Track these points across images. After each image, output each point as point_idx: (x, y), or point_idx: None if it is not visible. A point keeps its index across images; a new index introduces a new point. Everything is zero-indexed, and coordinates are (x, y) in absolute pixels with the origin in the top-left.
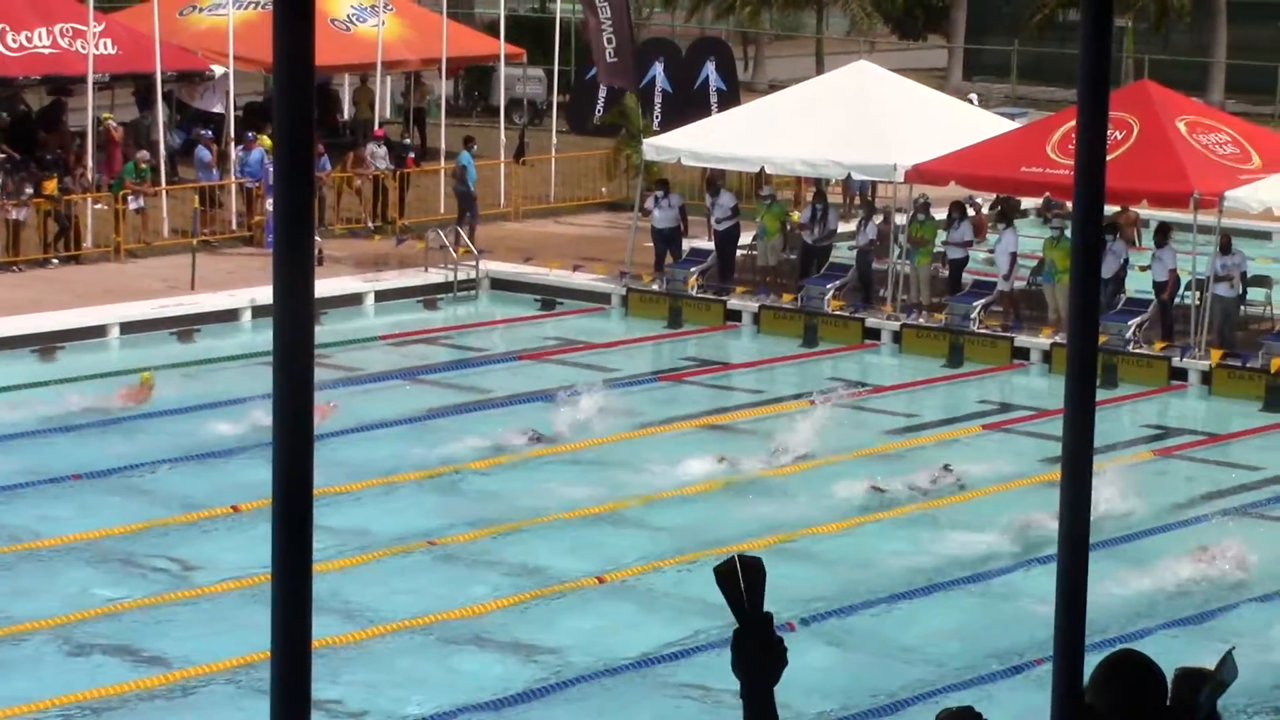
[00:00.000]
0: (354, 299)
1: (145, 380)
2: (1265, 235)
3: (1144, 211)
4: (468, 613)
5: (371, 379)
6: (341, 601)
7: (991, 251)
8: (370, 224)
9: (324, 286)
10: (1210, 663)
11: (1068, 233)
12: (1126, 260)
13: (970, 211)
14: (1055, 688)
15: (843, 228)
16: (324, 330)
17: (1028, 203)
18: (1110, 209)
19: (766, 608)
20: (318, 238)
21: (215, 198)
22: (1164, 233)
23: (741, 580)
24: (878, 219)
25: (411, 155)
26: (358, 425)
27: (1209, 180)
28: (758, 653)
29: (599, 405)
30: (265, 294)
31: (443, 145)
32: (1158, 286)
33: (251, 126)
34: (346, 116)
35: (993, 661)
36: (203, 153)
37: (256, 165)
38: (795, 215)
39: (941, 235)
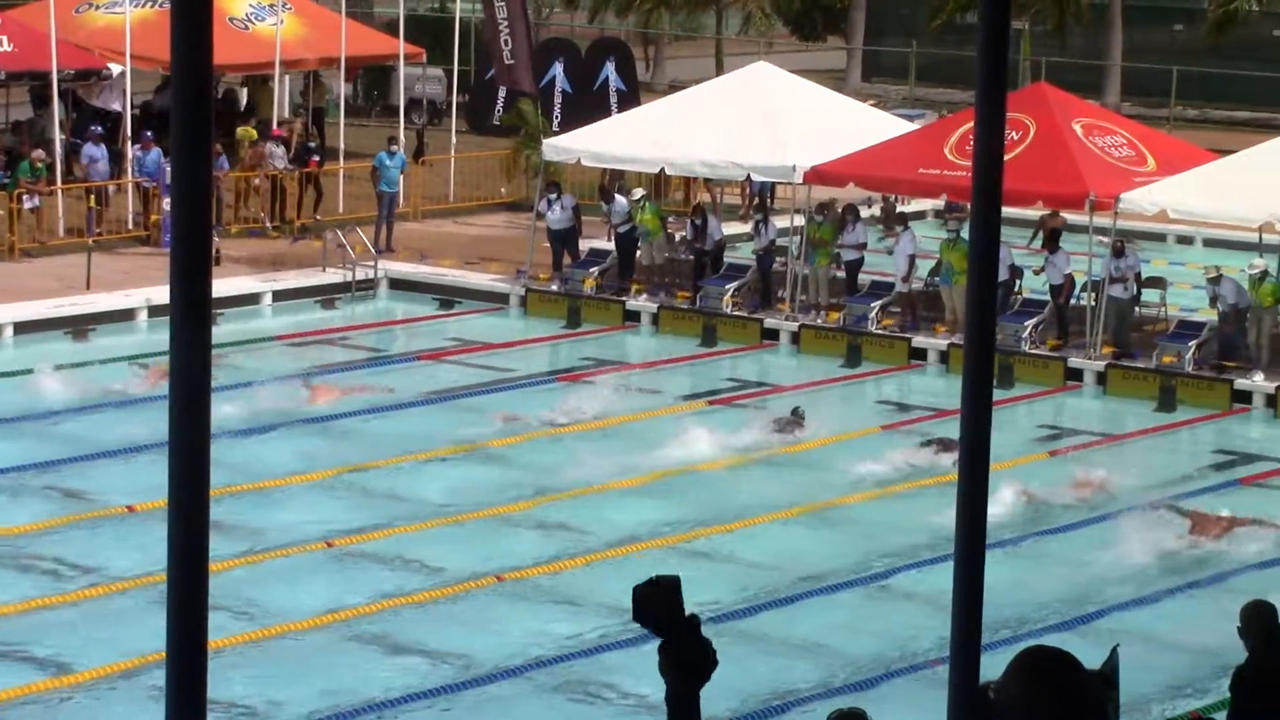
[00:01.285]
0: (251, 299)
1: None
2: (1160, 237)
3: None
4: (367, 610)
5: (269, 379)
6: (239, 601)
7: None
8: (268, 224)
9: (221, 286)
10: (1097, 662)
11: (964, 234)
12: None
13: (864, 213)
14: (951, 687)
15: (741, 228)
16: (221, 330)
17: (920, 204)
18: (1040, 212)
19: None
20: (215, 237)
21: (108, 196)
22: (1055, 238)
23: (661, 598)
24: (775, 221)
25: (316, 157)
26: (255, 426)
27: (1104, 182)
28: (686, 656)
29: (505, 407)
30: (162, 294)
31: (341, 144)
32: (1054, 290)
33: (149, 126)
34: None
35: (890, 661)
36: (93, 150)
37: (154, 165)
38: (680, 231)
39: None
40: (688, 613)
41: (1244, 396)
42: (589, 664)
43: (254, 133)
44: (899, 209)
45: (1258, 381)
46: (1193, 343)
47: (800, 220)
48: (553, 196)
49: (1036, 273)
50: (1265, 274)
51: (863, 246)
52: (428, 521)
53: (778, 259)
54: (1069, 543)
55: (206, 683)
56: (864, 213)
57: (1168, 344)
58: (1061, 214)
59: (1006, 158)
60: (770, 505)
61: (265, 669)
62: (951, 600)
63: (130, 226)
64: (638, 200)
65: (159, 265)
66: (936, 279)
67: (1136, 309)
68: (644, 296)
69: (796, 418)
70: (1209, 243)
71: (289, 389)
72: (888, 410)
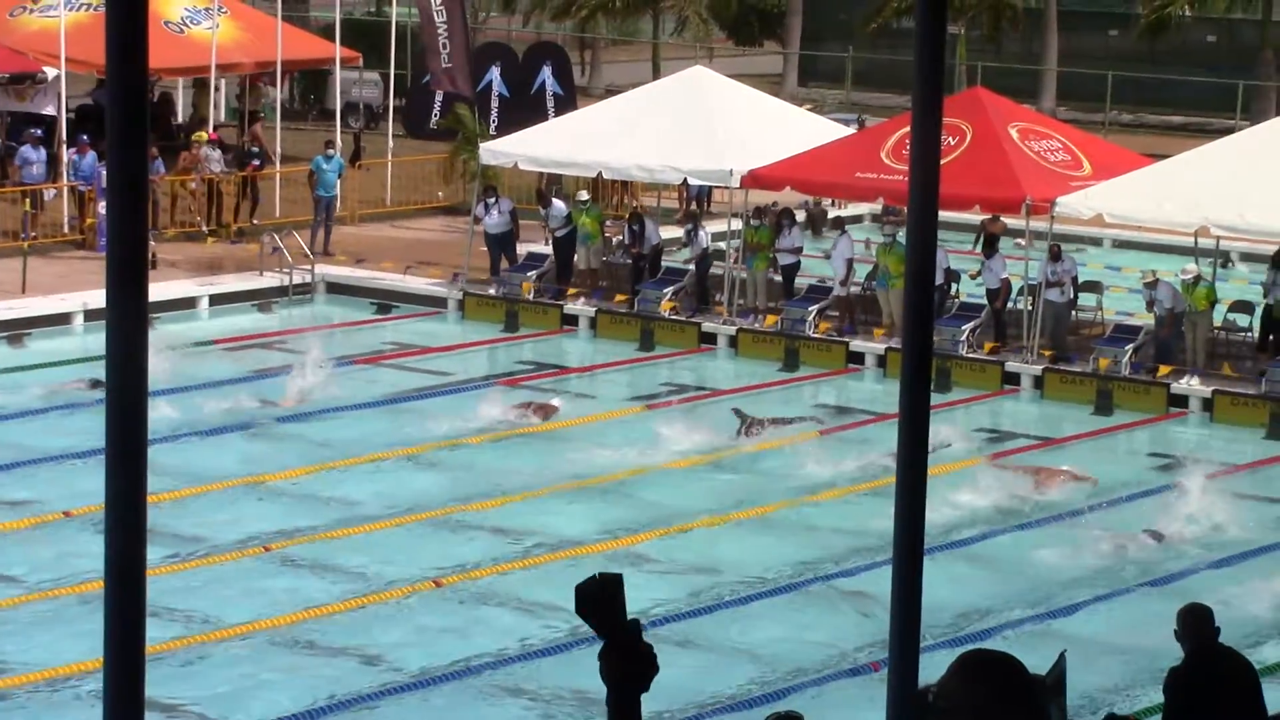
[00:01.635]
0: (188, 303)
1: None
2: (1096, 241)
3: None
4: (305, 615)
5: (205, 384)
6: (178, 607)
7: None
8: (205, 228)
9: (157, 290)
10: (1044, 666)
11: (900, 238)
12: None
13: (800, 217)
14: (890, 689)
15: (679, 232)
16: (158, 334)
17: (857, 208)
18: (980, 217)
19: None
20: (151, 241)
21: (43, 200)
22: (992, 243)
23: (603, 596)
24: (707, 226)
25: (255, 161)
26: (193, 430)
27: (1040, 186)
28: (627, 661)
29: (443, 411)
30: (98, 298)
31: (278, 148)
32: (990, 295)
33: (84, 130)
34: (181, 119)
35: (830, 664)
36: (28, 152)
37: (89, 169)
38: (617, 236)
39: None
40: (630, 617)
41: (1180, 400)
42: (530, 667)
43: (205, 135)
44: (835, 214)
45: (1193, 385)
46: (1129, 346)
47: (737, 224)
48: (490, 200)
49: (973, 277)
50: (1198, 279)
51: (799, 251)
52: (365, 526)
53: (715, 263)
54: (1007, 546)
55: (144, 690)
56: (799, 217)
57: (1104, 348)
58: (1002, 219)
59: (943, 162)
60: (710, 509)
61: (202, 676)
62: (890, 603)
63: (66, 230)
64: (584, 202)
65: (95, 269)
66: (874, 283)
67: (1073, 313)
68: (582, 300)
69: (742, 418)
70: (1144, 247)
71: (225, 393)
72: (826, 414)
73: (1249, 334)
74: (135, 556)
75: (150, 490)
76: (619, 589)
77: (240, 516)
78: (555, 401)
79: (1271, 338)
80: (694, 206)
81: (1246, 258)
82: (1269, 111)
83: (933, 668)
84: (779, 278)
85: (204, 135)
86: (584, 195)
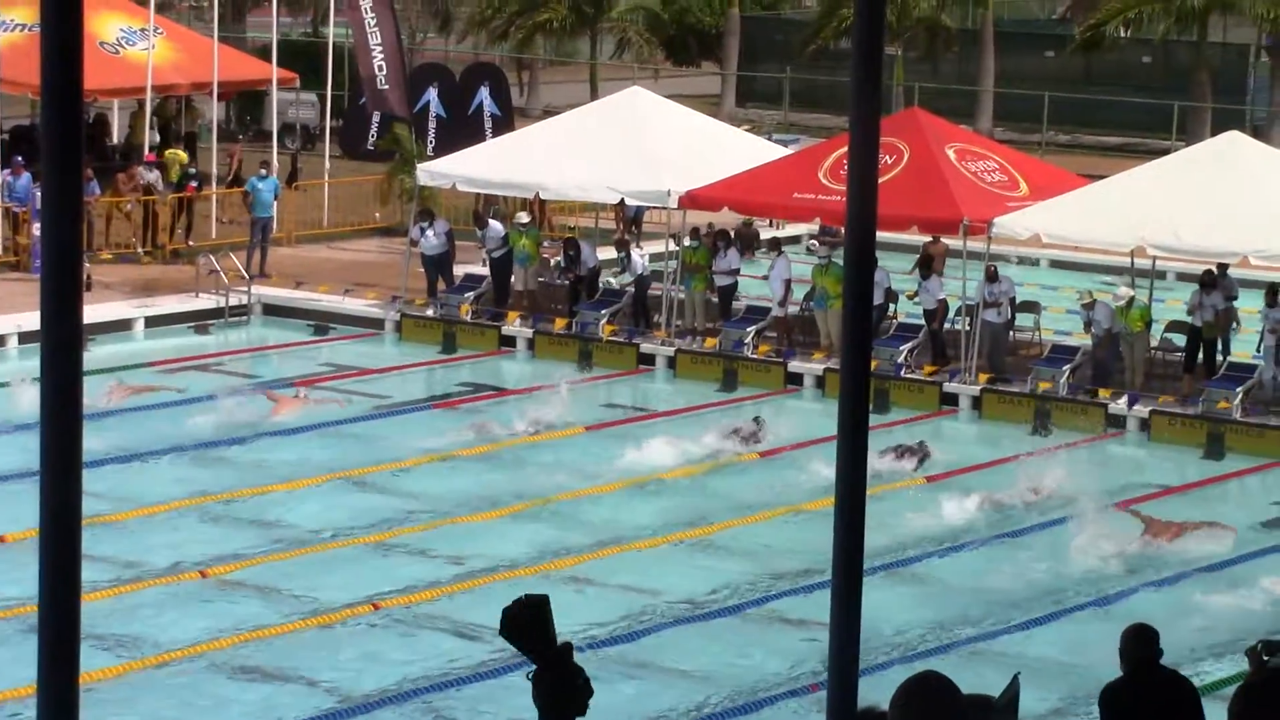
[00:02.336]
0: (123, 325)
1: None
2: (1033, 261)
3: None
4: (244, 639)
5: (142, 406)
6: (114, 632)
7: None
8: (140, 249)
9: (93, 312)
10: (994, 688)
11: (835, 258)
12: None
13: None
14: (830, 711)
15: (615, 254)
16: (93, 356)
17: (794, 229)
18: (921, 239)
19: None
20: (86, 263)
21: None
22: (928, 264)
23: (530, 619)
24: (639, 251)
25: (193, 183)
26: (129, 453)
27: (978, 207)
28: (559, 685)
29: (380, 433)
30: (32, 320)
31: (214, 170)
32: (928, 315)
33: (18, 151)
34: (116, 140)
35: (770, 686)
36: None
37: (24, 190)
38: (555, 257)
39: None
40: (561, 640)
41: (1118, 420)
42: (466, 691)
43: (184, 155)
44: (772, 234)
45: (1131, 406)
46: (1067, 367)
47: (675, 245)
48: (425, 225)
49: (910, 297)
50: (1132, 300)
51: (736, 272)
52: (302, 549)
53: (654, 283)
54: (947, 567)
55: (79, 716)
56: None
57: (1042, 368)
58: (943, 241)
59: (880, 182)
60: (649, 531)
61: (140, 703)
62: (829, 624)
63: (0, 252)
64: (524, 224)
65: (29, 291)
66: (811, 303)
67: (1011, 333)
68: (519, 322)
69: (757, 425)
70: (1082, 267)
71: (161, 415)
72: (763, 433)
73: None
74: (69, 580)
75: (86, 513)
76: (545, 611)
77: (178, 540)
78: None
79: (1201, 358)
80: (632, 229)
81: (1182, 278)
82: (1204, 132)
83: (880, 688)
84: (716, 299)
85: (182, 155)
86: (524, 217)
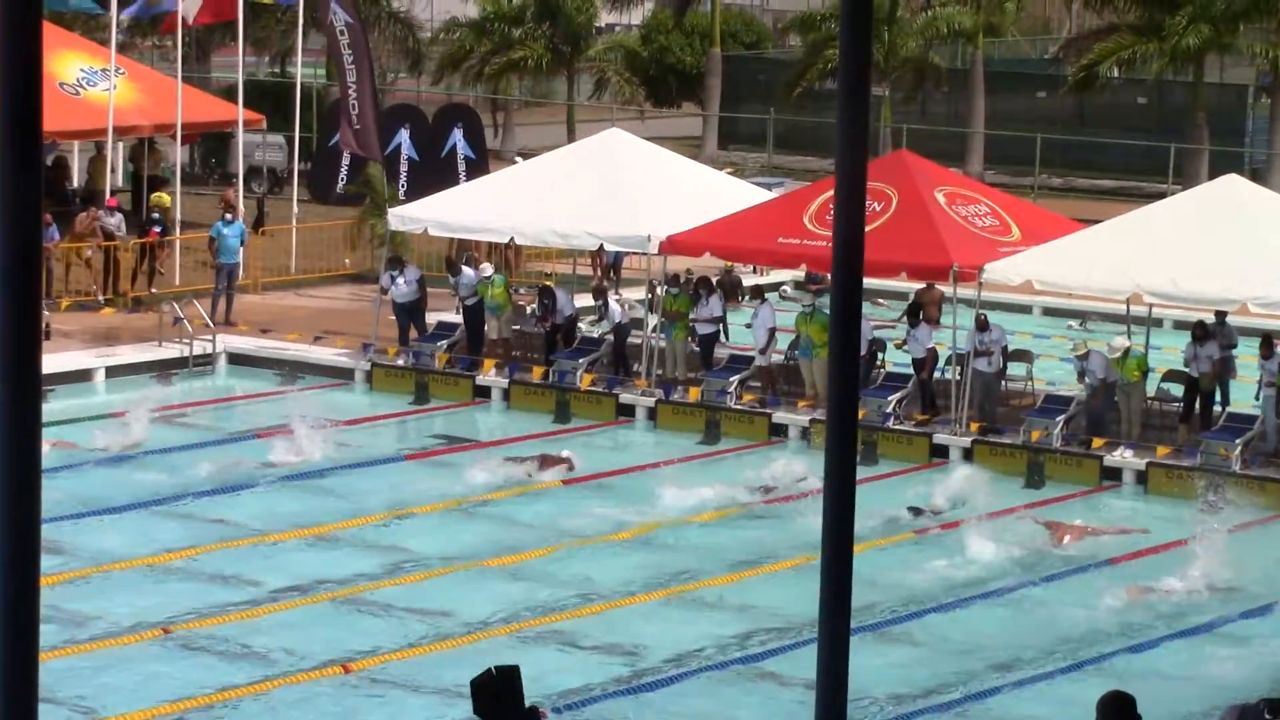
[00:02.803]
0: (83, 375)
1: None
2: (1025, 309)
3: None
4: (208, 701)
5: (102, 460)
6: (74, 694)
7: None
8: (101, 297)
9: (51, 362)
10: None
11: (820, 306)
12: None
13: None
14: None
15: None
16: (52, 408)
17: (779, 275)
18: (915, 285)
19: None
20: (45, 311)
21: None
22: (915, 312)
23: (499, 689)
24: (618, 299)
25: (156, 229)
26: (85, 509)
27: (968, 253)
28: None
29: (351, 486)
30: None
31: (178, 214)
32: (916, 364)
33: None
34: (77, 184)
35: None
36: None
37: None
38: (530, 304)
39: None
40: (530, 703)
41: (1113, 473)
42: None
43: (167, 199)
44: (755, 281)
45: (1127, 457)
46: (1061, 418)
47: (647, 293)
48: (395, 273)
49: (898, 346)
50: (1128, 351)
51: (718, 320)
52: (271, 607)
53: (634, 331)
54: (938, 625)
55: None
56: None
57: (1035, 419)
58: (938, 287)
59: (868, 228)
60: (631, 588)
61: None
62: (816, 682)
63: None
64: (487, 277)
65: None
66: (796, 352)
67: (1003, 383)
68: (494, 371)
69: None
70: (1076, 314)
71: (122, 469)
72: (748, 488)
73: (1181, 405)
74: (28, 638)
75: (44, 570)
76: (514, 679)
77: (139, 597)
78: (565, 453)
79: (1198, 409)
80: (610, 275)
81: (1179, 325)
82: (1201, 175)
83: None
84: (697, 347)
85: (165, 198)
86: (487, 269)
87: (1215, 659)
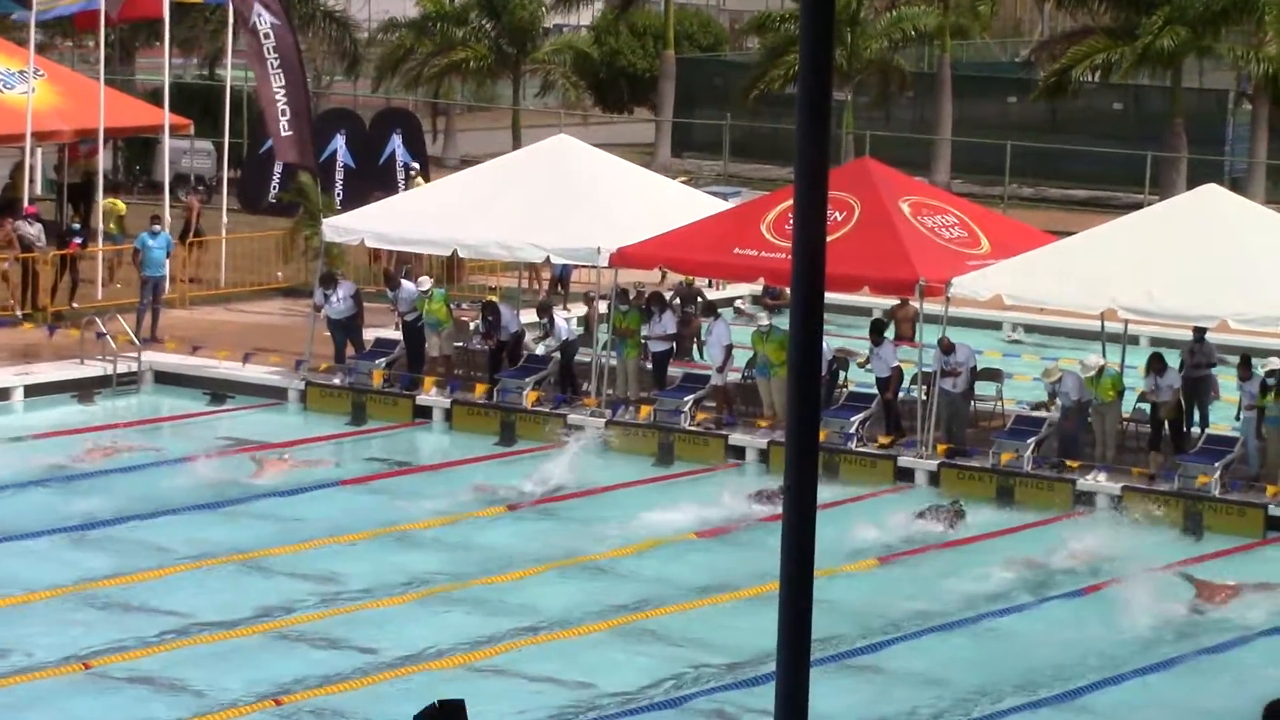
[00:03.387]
0: (1, 394)
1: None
2: (995, 325)
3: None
4: None
5: (19, 483)
6: None
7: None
8: (19, 312)
9: None
10: None
11: (776, 323)
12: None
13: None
14: None
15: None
16: None
17: (735, 289)
18: (888, 302)
19: None
20: None
21: None
22: (879, 330)
23: None
24: (564, 314)
25: (77, 240)
26: (4, 534)
27: (934, 266)
28: None
29: (282, 512)
30: None
31: (100, 224)
32: (880, 384)
33: None
34: None
35: None
36: None
37: None
38: (474, 319)
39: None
40: None
41: (1087, 497)
42: None
43: (122, 206)
44: (709, 295)
45: (1101, 481)
46: (1031, 440)
47: (605, 307)
48: (326, 291)
49: (862, 364)
50: (1102, 370)
51: (672, 338)
52: (196, 638)
53: (582, 349)
54: (900, 656)
55: None
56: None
57: (1005, 441)
58: (912, 303)
59: (829, 239)
60: (578, 617)
61: None
62: (774, 715)
63: None
64: (425, 291)
65: None
66: (753, 371)
67: (971, 404)
68: (435, 390)
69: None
70: (1046, 330)
71: (40, 493)
72: (703, 513)
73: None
74: None
75: None
76: (460, 714)
77: (58, 629)
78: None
79: (1170, 433)
80: (558, 289)
81: (1156, 342)
82: (1179, 185)
83: None
84: (650, 365)
85: (120, 205)
86: (425, 282)
87: (1204, 690)
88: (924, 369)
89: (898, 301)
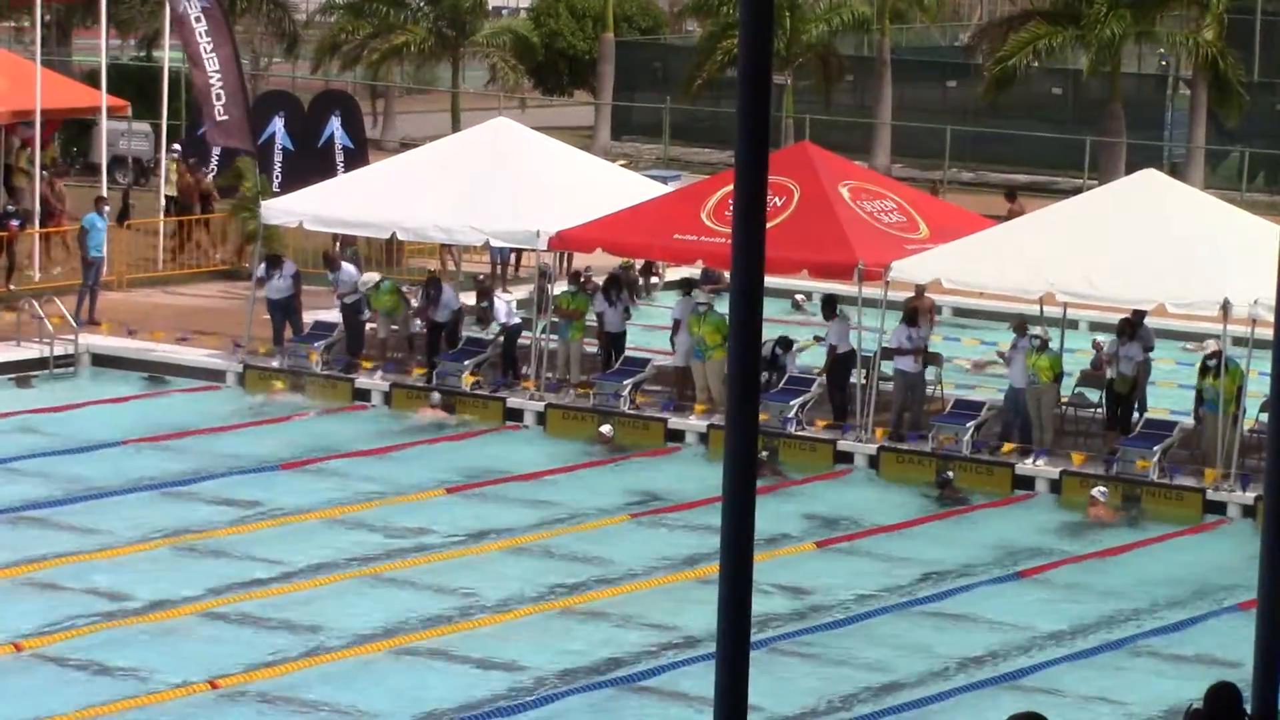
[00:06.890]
0: None
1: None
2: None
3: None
4: None
5: None
6: None
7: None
8: None
9: None
10: None
11: (716, 306)
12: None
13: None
14: None
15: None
16: None
17: (676, 273)
18: (905, 294)
19: None
20: None
21: None
22: (831, 306)
23: None
24: (505, 297)
25: (16, 222)
26: None
27: (874, 250)
28: None
29: (223, 496)
30: None
31: (36, 207)
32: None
33: None
34: None
35: None
36: None
37: None
38: (413, 300)
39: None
40: None
41: (1026, 481)
42: None
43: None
44: (655, 279)
45: (1040, 466)
46: (971, 424)
47: (559, 288)
48: (268, 270)
49: (817, 340)
50: (1045, 344)
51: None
52: (131, 619)
53: (524, 332)
54: (836, 640)
55: None
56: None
57: (944, 424)
58: (928, 296)
59: (769, 224)
60: (519, 599)
61: None
62: (714, 699)
63: None
64: (374, 286)
65: None
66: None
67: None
68: (376, 373)
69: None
70: (986, 315)
71: None
72: (639, 498)
73: (1098, 410)
74: None
75: None
76: None
77: None
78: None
79: (1120, 413)
80: (497, 271)
81: (1095, 327)
82: (1119, 169)
83: None
84: (593, 349)
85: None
86: (373, 277)
87: (1135, 674)
88: (864, 354)
89: (914, 294)
